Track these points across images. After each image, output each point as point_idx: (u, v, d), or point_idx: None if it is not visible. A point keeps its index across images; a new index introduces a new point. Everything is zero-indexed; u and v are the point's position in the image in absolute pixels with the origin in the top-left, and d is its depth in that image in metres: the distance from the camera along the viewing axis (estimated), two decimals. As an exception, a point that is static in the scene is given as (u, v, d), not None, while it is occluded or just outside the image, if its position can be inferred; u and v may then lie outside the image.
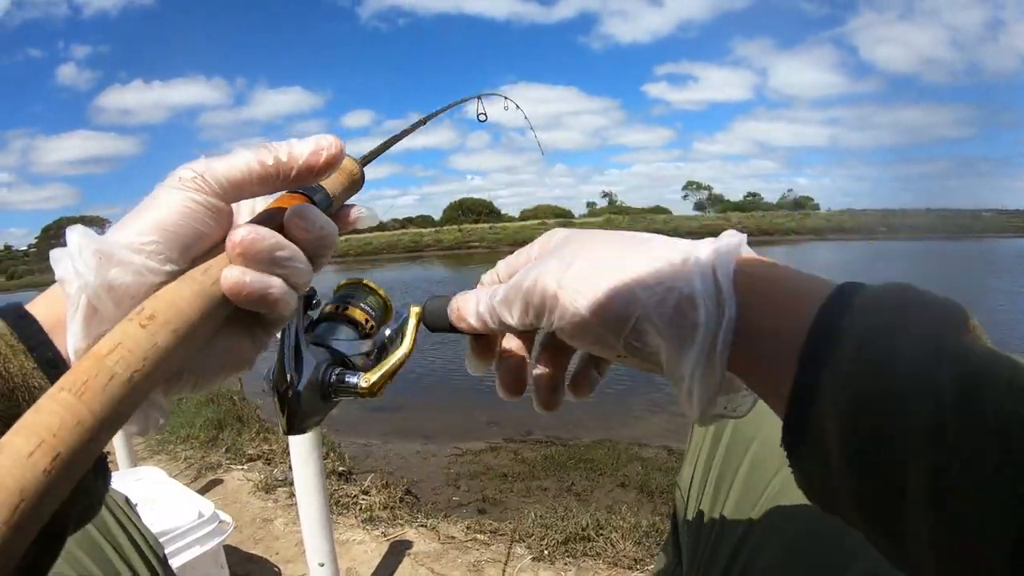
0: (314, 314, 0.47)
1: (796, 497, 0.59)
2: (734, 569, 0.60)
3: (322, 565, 1.72)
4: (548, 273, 0.37)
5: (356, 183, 0.45)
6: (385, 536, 2.35)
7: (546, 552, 2.13)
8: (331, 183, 0.41)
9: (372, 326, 0.48)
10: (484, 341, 0.46)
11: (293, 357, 0.42)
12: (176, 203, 0.33)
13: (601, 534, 2.20)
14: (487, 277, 0.46)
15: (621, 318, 0.35)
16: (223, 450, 3.23)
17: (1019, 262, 18.85)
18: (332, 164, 0.37)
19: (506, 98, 0.85)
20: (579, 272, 0.37)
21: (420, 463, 3.79)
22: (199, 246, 0.34)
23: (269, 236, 0.34)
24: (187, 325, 0.31)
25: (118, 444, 2.50)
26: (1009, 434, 0.25)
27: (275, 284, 0.34)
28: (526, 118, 0.92)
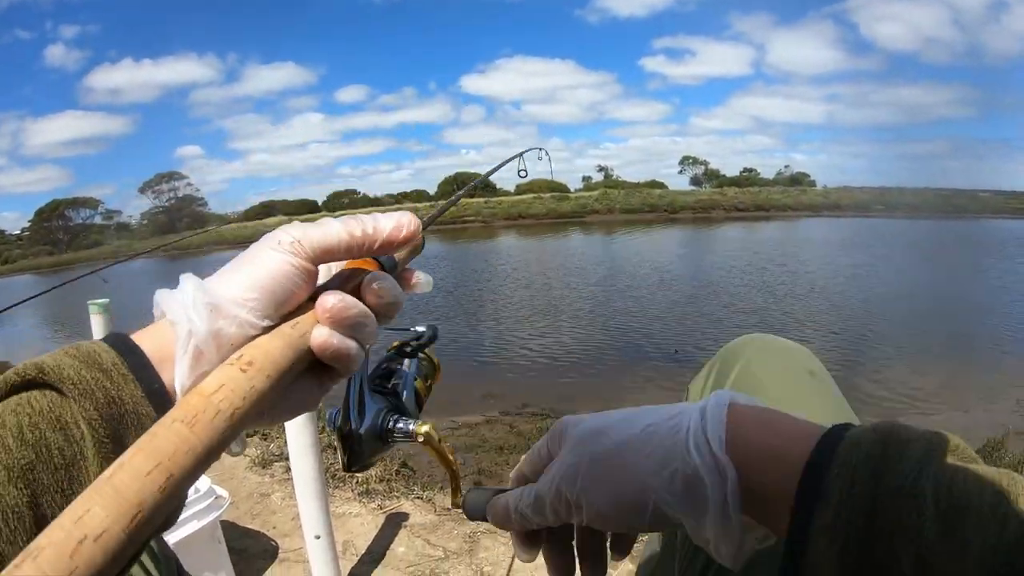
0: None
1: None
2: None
3: (318, 538, 1.74)
4: (565, 480, 0.42)
5: (417, 248, 0.49)
6: (381, 509, 2.38)
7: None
8: None
9: (420, 379, 0.58)
10: (527, 535, 0.49)
11: (358, 404, 0.50)
12: (275, 264, 0.37)
13: (595, 507, 2.21)
14: (515, 474, 0.50)
15: (639, 507, 0.39)
16: (219, 425, 3.23)
17: (1015, 242, 18.88)
18: (409, 241, 0.42)
19: (541, 148, 1.03)
20: (591, 473, 0.41)
21: (416, 437, 3.80)
22: (290, 303, 0.39)
23: (354, 306, 0.39)
24: (278, 372, 0.36)
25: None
26: (995, 566, 0.27)
27: (353, 346, 0.40)
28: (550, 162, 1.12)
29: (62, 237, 48.68)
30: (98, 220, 51.28)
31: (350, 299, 0.39)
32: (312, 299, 0.39)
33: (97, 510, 0.27)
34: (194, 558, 1.53)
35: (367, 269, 0.42)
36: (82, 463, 0.33)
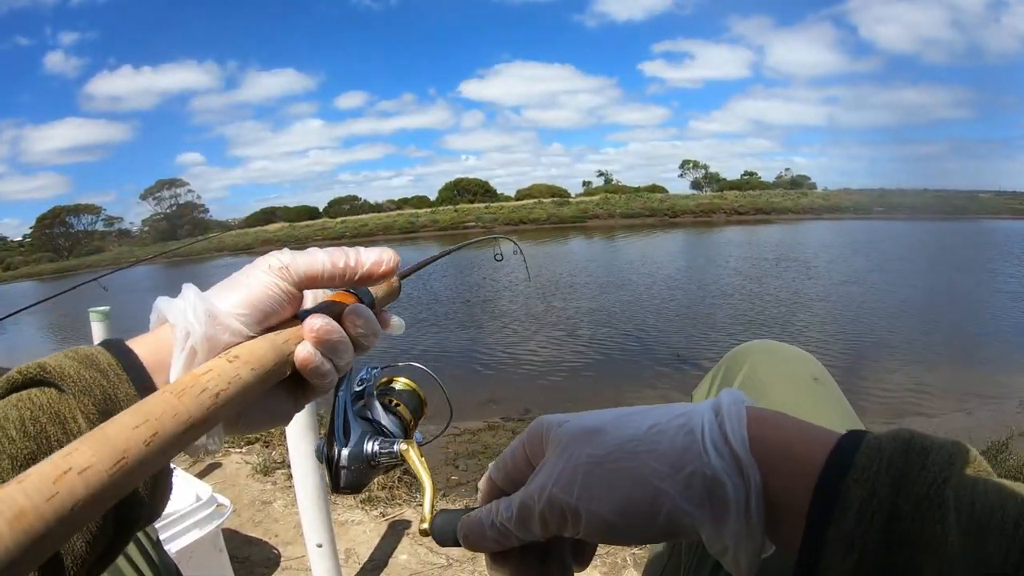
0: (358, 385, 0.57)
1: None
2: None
3: (320, 546, 1.73)
4: (559, 486, 0.38)
5: (393, 292, 0.54)
6: (383, 516, 2.37)
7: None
8: (375, 288, 0.51)
9: (398, 406, 0.59)
10: (503, 554, 0.45)
11: (342, 427, 0.52)
12: (264, 286, 0.42)
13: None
14: (484, 486, 0.47)
15: (650, 515, 0.35)
16: (221, 432, 3.22)
17: (1016, 242, 18.87)
18: (388, 275, 0.46)
19: (514, 241, 1.09)
20: (591, 477, 0.37)
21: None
22: (274, 320, 0.43)
23: (337, 331, 0.44)
24: (262, 368, 0.40)
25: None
26: None
27: (330, 367, 0.44)
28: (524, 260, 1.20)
29: (63, 244, 48.75)
30: (100, 227, 51.46)
31: (335, 324, 0.44)
32: (296, 318, 0.44)
33: (85, 449, 0.29)
34: (196, 566, 1.53)
35: (347, 302, 0.47)
36: None
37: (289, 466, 2.62)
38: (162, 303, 0.42)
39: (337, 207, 55.60)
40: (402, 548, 2.16)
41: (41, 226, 49.57)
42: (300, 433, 1.67)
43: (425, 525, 0.49)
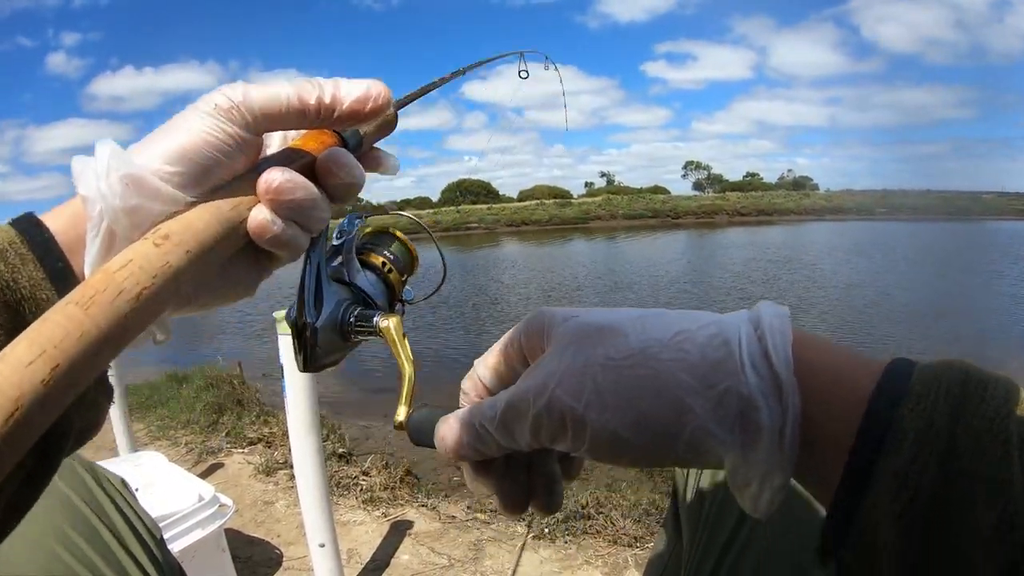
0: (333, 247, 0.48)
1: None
2: (734, 546, 0.60)
3: (323, 546, 1.73)
4: (563, 387, 0.32)
5: (388, 125, 0.42)
6: (386, 516, 2.37)
7: (546, 530, 2.14)
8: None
9: (391, 270, 0.49)
10: (483, 464, 0.39)
11: (314, 294, 0.42)
12: (205, 130, 0.32)
13: (601, 512, 2.21)
14: (467, 384, 0.40)
15: (671, 433, 0.30)
16: (224, 434, 3.23)
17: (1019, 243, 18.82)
18: (376, 116, 0.36)
19: (547, 57, 0.83)
20: (604, 383, 0.31)
21: (420, 444, 3.80)
22: (221, 175, 0.34)
23: (302, 187, 0.34)
24: (201, 248, 0.31)
25: (118, 430, 2.50)
26: None
27: (297, 233, 0.35)
28: (561, 82, 0.92)
29: (67, 247, 48.84)
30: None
31: (299, 178, 0.34)
32: (254, 172, 0.34)
33: None
34: (198, 566, 1.53)
35: (326, 143, 0.37)
36: None
37: (291, 466, 2.62)
38: (76, 164, 0.32)
39: (341, 209, 55.57)
40: (404, 548, 2.16)
41: (44, 227, 49.68)
42: (303, 434, 1.67)
43: (400, 418, 0.42)
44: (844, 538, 0.28)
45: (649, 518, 2.17)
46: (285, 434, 3.06)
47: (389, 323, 0.43)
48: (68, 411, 0.28)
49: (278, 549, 2.19)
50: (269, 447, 3.09)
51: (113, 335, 0.28)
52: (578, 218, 36.86)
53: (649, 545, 2.06)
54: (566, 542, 2.10)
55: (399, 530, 2.28)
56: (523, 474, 0.39)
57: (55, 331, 0.26)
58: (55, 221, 0.33)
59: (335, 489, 2.52)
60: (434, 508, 2.41)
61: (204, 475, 2.74)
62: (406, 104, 0.45)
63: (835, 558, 0.28)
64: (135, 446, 2.57)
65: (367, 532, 2.28)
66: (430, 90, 0.51)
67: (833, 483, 0.28)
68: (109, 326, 0.27)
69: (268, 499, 2.55)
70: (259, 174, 0.34)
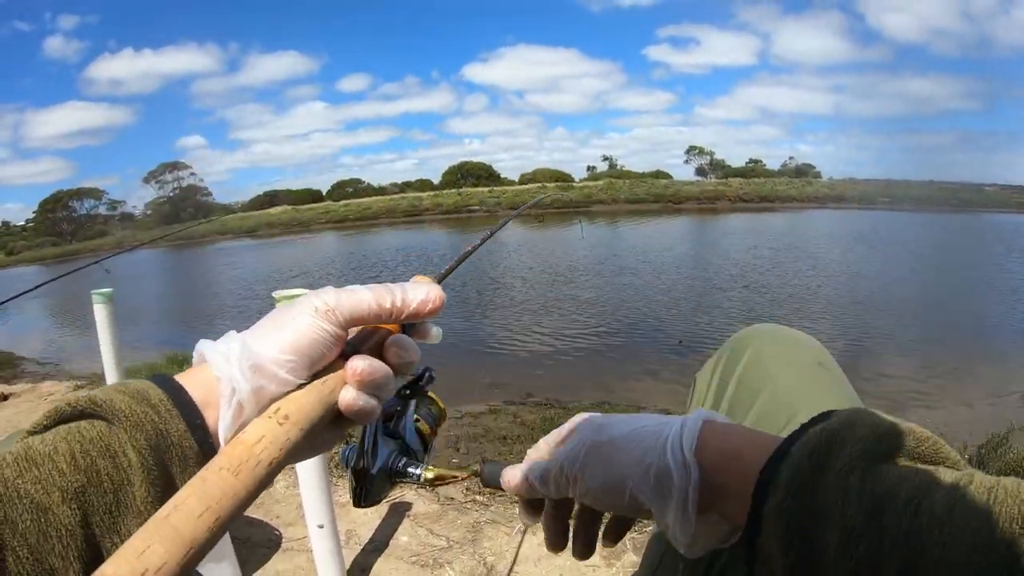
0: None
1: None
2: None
3: (322, 527, 1.74)
4: (568, 458, 0.49)
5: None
6: (385, 498, 2.38)
7: (544, 515, 2.15)
8: None
9: (429, 430, 0.63)
10: (531, 502, 0.56)
11: (372, 446, 0.55)
12: (311, 330, 0.42)
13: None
14: (532, 453, 0.55)
15: (619, 490, 0.46)
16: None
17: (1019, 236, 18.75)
18: (433, 315, 0.47)
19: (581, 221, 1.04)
20: (589, 458, 0.48)
21: (419, 427, 3.81)
22: (323, 363, 0.43)
23: (380, 370, 0.44)
24: (310, 425, 0.41)
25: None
26: (909, 546, 0.32)
27: (376, 404, 0.45)
28: None
29: (66, 228, 48.73)
30: (102, 211, 51.40)
31: (377, 364, 0.44)
32: (342, 357, 0.44)
33: (157, 547, 0.31)
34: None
35: (389, 328, 0.47)
36: (129, 488, 0.37)
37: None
38: (206, 350, 0.42)
39: (340, 190, 55.48)
40: (403, 530, 2.18)
41: (44, 210, 49.53)
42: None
43: (476, 467, 0.60)
44: (754, 562, 0.39)
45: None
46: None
47: (433, 475, 0.59)
48: None
49: (277, 530, 2.20)
50: (269, 428, 3.10)
51: (253, 495, 0.37)
52: (580, 202, 36.73)
53: (648, 528, 2.08)
54: (564, 525, 2.11)
55: (398, 512, 2.29)
56: (566, 520, 0.55)
57: (216, 491, 0.35)
58: (191, 386, 0.41)
59: (334, 470, 2.53)
60: (433, 490, 2.42)
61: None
62: (446, 277, 0.57)
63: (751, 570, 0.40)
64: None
65: (366, 513, 2.29)
66: (463, 260, 0.66)
67: (742, 524, 0.40)
68: (252, 488, 0.37)
69: (268, 480, 2.56)
70: (346, 358, 0.44)
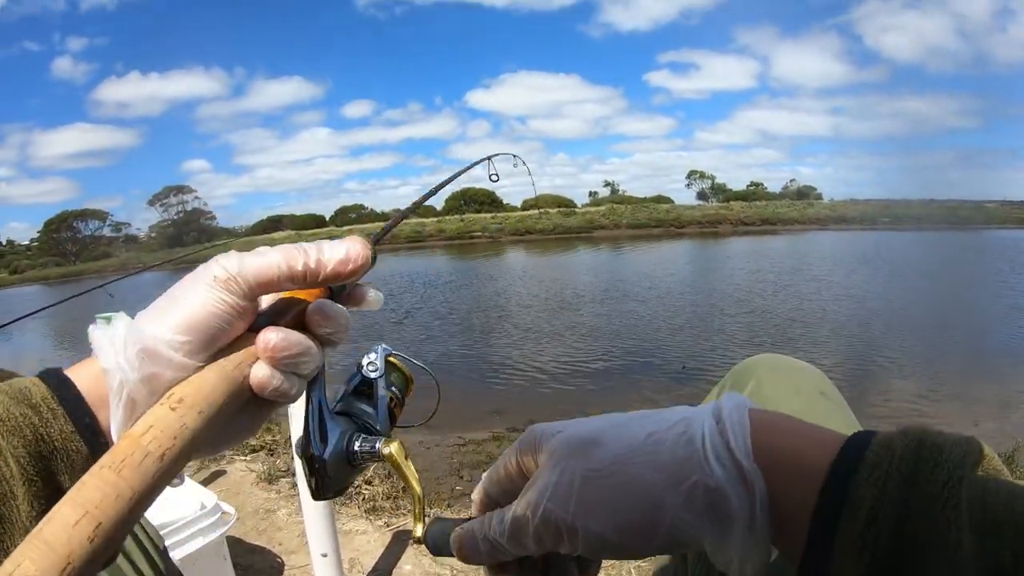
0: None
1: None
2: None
3: (325, 556, 1.72)
4: (553, 501, 0.36)
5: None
6: (388, 526, 2.36)
7: (548, 542, 2.13)
8: None
9: (392, 400, 0.53)
10: (499, 566, 0.44)
11: (319, 428, 0.45)
12: (209, 303, 0.36)
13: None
14: (477, 497, 0.46)
15: (650, 529, 0.34)
16: (226, 440, 3.23)
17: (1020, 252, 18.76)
18: (356, 274, 0.39)
19: (515, 155, 0.92)
20: (587, 493, 0.35)
21: (423, 453, 3.80)
22: (224, 340, 0.37)
23: (296, 344, 0.38)
24: (212, 408, 0.35)
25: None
26: None
27: (293, 381, 0.39)
28: (529, 172, 1.03)
29: (71, 248, 49.07)
30: (107, 232, 51.81)
31: (292, 336, 0.38)
32: (252, 330, 0.38)
33: (27, 564, 0.28)
34: (200, 574, 1.52)
35: (313, 292, 0.41)
36: (12, 502, 0.32)
37: (294, 474, 2.61)
38: (94, 337, 0.36)
39: (344, 215, 55.86)
40: (406, 558, 2.15)
41: (48, 230, 49.94)
42: (305, 441, 1.67)
43: (418, 533, 0.47)
44: None
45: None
46: (287, 442, 3.06)
47: (391, 449, 0.47)
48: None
49: (280, 558, 2.18)
50: (271, 455, 3.08)
51: (144, 493, 0.32)
52: (582, 227, 36.87)
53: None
54: (569, 553, 2.08)
55: (401, 540, 2.27)
56: (538, 573, 0.43)
57: (94, 494, 0.30)
58: (81, 379, 0.36)
59: (337, 498, 2.51)
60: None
61: (206, 482, 2.73)
62: (380, 238, 0.49)
63: None
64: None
65: (369, 541, 2.27)
66: (400, 221, 0.57)
67: (799, 554, 0.31)
68: (140, 486, 0.32)
69: (270, 507, 2.54)
70: (257, 331, 0.38)
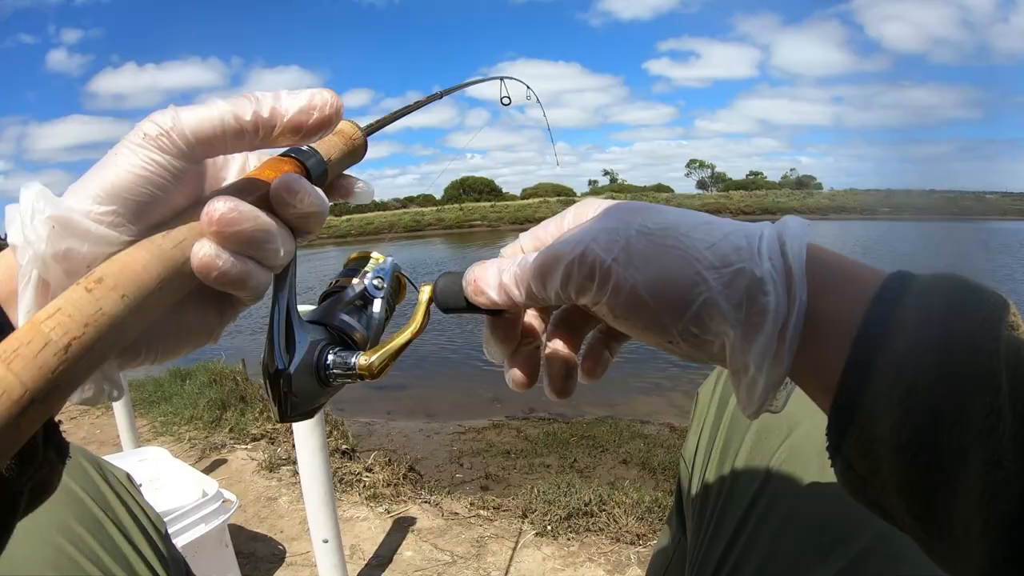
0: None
1: (803, 466, 0.59)
2: (739, 541, 0.60)
3: (326, 542, 1.73)
4: (598, 242, 0.33)
5: (357, 151, 0.41)
6: (389, 513, 2.37)
7: (549, 528, 2.14)
8: (327, 147, 0.38)
9: (391, 309, 0.45)
10: (506, 322, 0.40)
11: (284, 337, 0.37)
12: (136, 164, 0.30)
13: (604, 510, 2.21)
14: (508, 250, 0.40)
15: (683, 300, 0.31)
16: (227, 430, 3.24)
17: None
18: (323, 127, 0.33)
19: (528, 86, 0.84)
20: (635, 244, 0.32)
21: (423, 441, 3.81)
22: (159, 211, 0.31)
23: (249, 218, 0.31)
24: (140, 292, 0.28)
25: (122, 427, 2.51)
26: None
27: (250, 269, 0.32)
28: (542, 107, 0.94)
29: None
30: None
31: (244, 206, 0.30)
32: (200, 207, 0.31)
33: None
34: (202, 561, 1.53)
35: (283, 171, 0.34)
36: None
37: (295, 462, 2.62)
38: (8, 212, 0.30)
39: (342, 205, 55.64)
40: (407, 545, 2.16)
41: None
42: (307, 429, 1.67)
43: (427, 291, 0.42)
44: (846, 434, 0.29)
45: (652, 516, 2.17)
46: (288, 430, 3.07)
47: (371, 360, 0.39)
48: (17, 472, 0.27)
49: (281, 545, 2.19)
50: (272, 443, 3.09)
51: (40, 392, 0.24)
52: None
53: (652, 543, 2.06)
54: (568, 539, 2.10)
55: (402, 526, 2.28)
56: (537, 353, 0.41)
57: None
58: None
59: (338, 485, 2.53)
60: (437, 504, 2.41)
61: (208, 471, 2.75)
62: (377, 130, 0.43)
63: (839, 455, 0.29)
64: (139, 442, 2.57)
65: (370, 528, 2.28)
66: (404, 115, 0.49)
67: (832, 382, 0.29)
68: (35, 382, 0.24)
69: (271, 495, 2.56)
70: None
